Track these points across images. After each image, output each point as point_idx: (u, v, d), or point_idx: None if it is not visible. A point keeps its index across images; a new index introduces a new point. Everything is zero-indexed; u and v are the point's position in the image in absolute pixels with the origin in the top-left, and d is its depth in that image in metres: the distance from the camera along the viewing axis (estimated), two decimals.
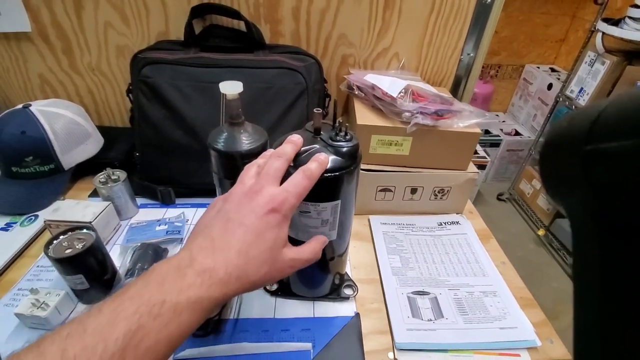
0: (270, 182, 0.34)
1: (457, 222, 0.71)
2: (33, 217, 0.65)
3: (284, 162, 0.36)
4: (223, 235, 0.31)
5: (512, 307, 0.55)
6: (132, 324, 0.25)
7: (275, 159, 0.36)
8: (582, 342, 0.22)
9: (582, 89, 1.71)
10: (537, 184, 2.03)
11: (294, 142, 0.38)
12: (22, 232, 0.62)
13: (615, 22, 1.50)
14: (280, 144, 0.42)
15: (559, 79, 2.08)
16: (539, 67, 2.27)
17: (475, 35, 0.77)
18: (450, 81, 0.84)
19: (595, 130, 0.18)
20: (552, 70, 2.25)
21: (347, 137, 0.42)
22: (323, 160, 0.37)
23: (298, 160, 0.40)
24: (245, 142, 0.42)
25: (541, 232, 1.95)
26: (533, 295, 0.59)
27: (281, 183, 0.35)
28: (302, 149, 0.40)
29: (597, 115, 0.19)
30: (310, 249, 0.37)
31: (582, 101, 1.70)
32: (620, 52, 1.55)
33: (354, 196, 0.45)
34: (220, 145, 0.42)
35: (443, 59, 0.81)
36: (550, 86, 2.11)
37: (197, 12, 0.70)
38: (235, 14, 0.69)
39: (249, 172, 0.36)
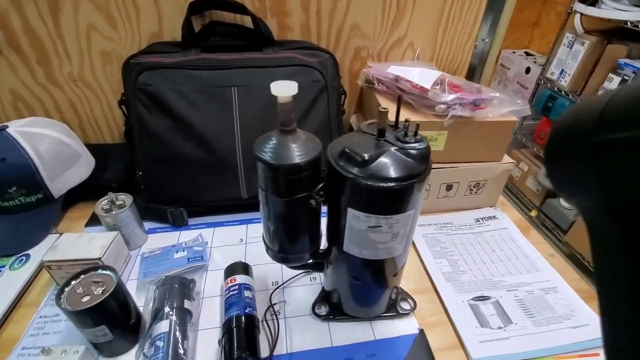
0: None
1: (495, 217, 0.67)
2: (24, 258, 0.56)
3: None
4: None
5: (576, 302, 0.52)
6: None
7: None
8: (615, 342, 0.20)
9: (562, 70, 1.74)
10: (525, 166, 2.06)
11: None
12: (13, 277, 0.53)
13: (593, 3, 1.53)
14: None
15: (535, 62, 2.12)
16: (514, 52, 2.30)
17: (490, 19, 0.74)
18: (465, 69, 0.80)
19: (603, 120, 0.17)
20: (527, 54, 2.29)
21: (418, 138, 0.36)
22: None
23: (368, 169, 0.34)
24: (297, 152, 0.36)
25: (533, 214, 1.99)
26: None
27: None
28: (371, 154, 0.34)
29: (605, 105, 0.17)
30: None
31: (564, 82, 1.73)
32: (598, 32, 1.58)
33: (422, 202, 0.40)
34: (267, 155, 0.35)
35: (458, 47, 0.77)
36: (528, 70, 2.14)
37: (195, 9, 0.62)
38: (241, 9, 0.62)
39: None
